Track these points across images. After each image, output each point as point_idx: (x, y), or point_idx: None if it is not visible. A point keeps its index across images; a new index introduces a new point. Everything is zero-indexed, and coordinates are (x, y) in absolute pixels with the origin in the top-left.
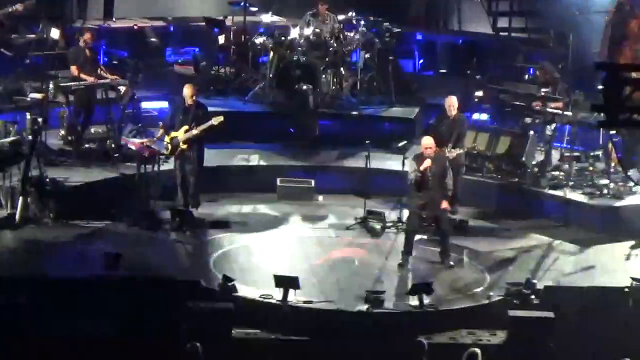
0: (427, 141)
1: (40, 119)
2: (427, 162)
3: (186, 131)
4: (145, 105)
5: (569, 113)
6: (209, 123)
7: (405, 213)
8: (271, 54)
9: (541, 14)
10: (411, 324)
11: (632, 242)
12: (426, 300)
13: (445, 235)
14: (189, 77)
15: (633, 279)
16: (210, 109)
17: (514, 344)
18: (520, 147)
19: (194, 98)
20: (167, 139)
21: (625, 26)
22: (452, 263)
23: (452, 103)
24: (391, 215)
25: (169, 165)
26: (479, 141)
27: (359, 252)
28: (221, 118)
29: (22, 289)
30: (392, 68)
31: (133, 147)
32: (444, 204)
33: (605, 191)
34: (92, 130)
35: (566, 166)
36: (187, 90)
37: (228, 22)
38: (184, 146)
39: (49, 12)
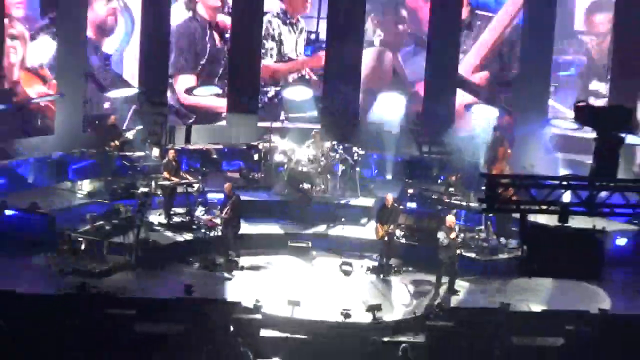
0: (452, 219)
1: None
2: (454, 234)
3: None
4: (210, 195)
5: (464, 203)
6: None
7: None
8: (285, 165)
9: (448, 143)
10: (367, 331)
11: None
12: (377, 314)
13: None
14: (235, 179)
15: (501, 303)
16: (243, 198)
17: (431, 343)
18: (437, 224)
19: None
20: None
21: (495, 150)
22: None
23: (389, 199)
24: (359, 264)
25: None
26: (408, 219)
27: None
28: None
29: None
30: (358, 175)
31: (202, 221)
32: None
33: (485, 251)
34: (177, 210)
35: (462, 235)
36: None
37: (260, 146)
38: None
39: (152, 139)
